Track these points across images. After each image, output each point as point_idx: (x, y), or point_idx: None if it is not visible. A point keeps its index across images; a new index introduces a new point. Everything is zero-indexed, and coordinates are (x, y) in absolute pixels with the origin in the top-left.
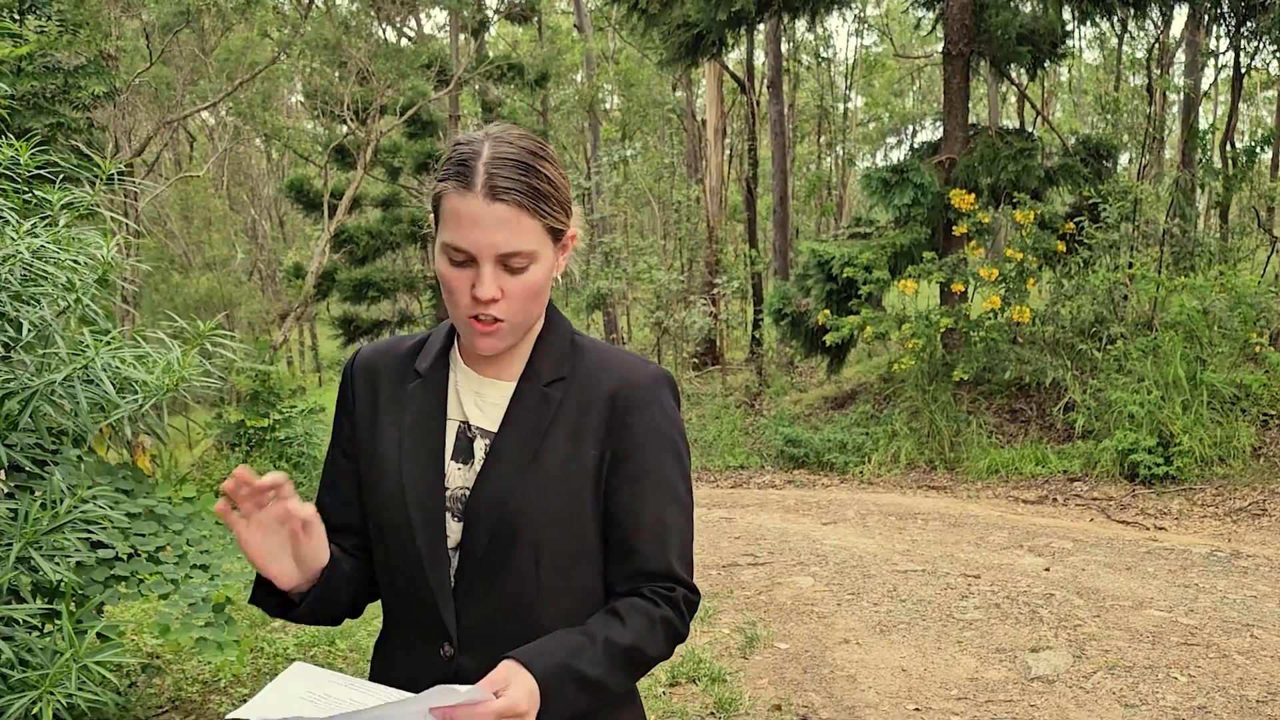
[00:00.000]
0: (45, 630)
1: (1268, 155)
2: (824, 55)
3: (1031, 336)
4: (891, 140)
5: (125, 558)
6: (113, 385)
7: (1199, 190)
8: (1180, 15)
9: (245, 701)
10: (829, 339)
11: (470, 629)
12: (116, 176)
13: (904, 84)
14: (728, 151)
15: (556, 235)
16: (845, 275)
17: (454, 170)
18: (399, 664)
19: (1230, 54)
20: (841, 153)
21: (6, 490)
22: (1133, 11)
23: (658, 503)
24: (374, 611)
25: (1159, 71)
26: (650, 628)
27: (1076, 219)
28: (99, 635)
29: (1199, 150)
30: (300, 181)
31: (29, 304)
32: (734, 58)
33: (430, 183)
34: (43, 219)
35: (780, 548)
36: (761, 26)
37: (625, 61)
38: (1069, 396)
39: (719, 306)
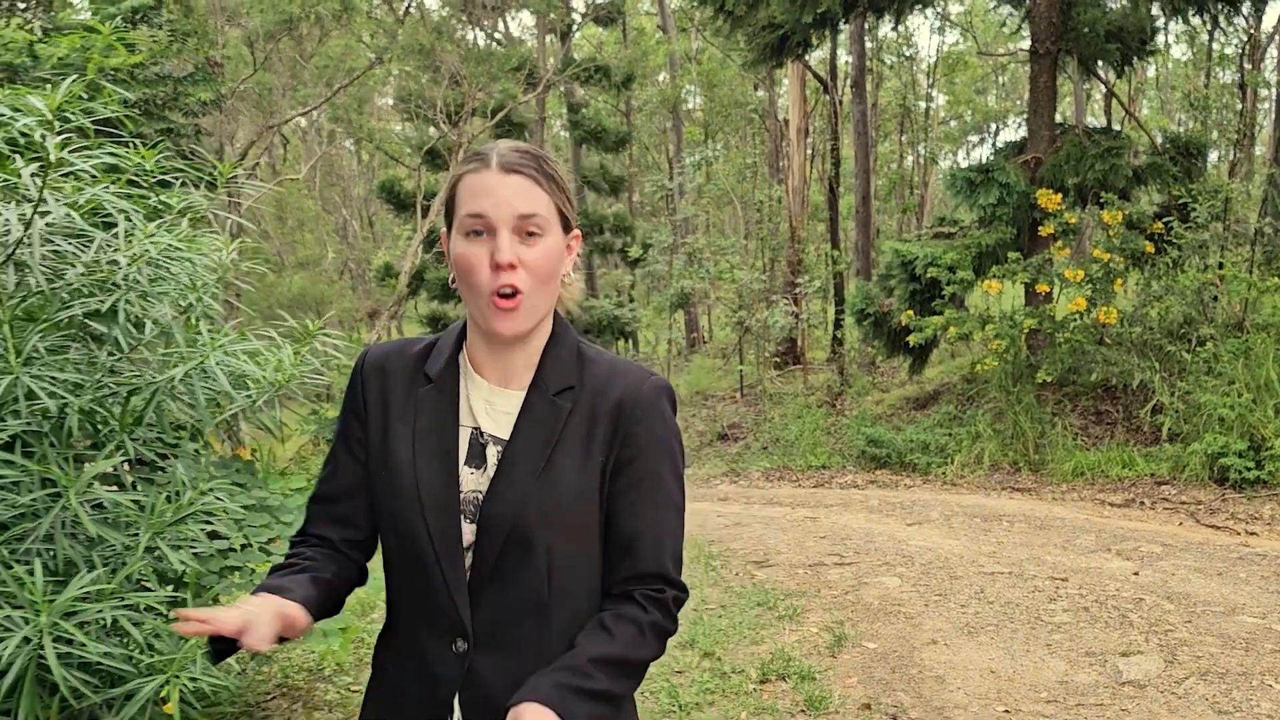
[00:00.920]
0: (170, 618)
1: None
2: (906, 54)
3: (1118, 338)
4: (974, 138)
5: (239, 548)
6: (229, 382)
7: None
8: (1273, 10)
9: (348, 689)
10: (912, 340)
11: (484, 627)
12: (226, 180)
13: (986, 81)
14: (809, 151)
15: (564, 223)
16: (929, 275)
17: (472, 160)
18: (406, 658)
19: None
20: (923, 152)
21: (130, 480)
22: (1224, 7)
23: (656, 508)
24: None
25: (1250, 67)
26: (639, 634)
27: (1165, 219)
28: None
29: None
30: (391, 183)
31: (154, 301)
32: (816, 57)
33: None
34: (161, 222)
35: (866, 548)
36: (845, 26)
37: (707, 62)
38: (1156, 399)
39: (801, 306)
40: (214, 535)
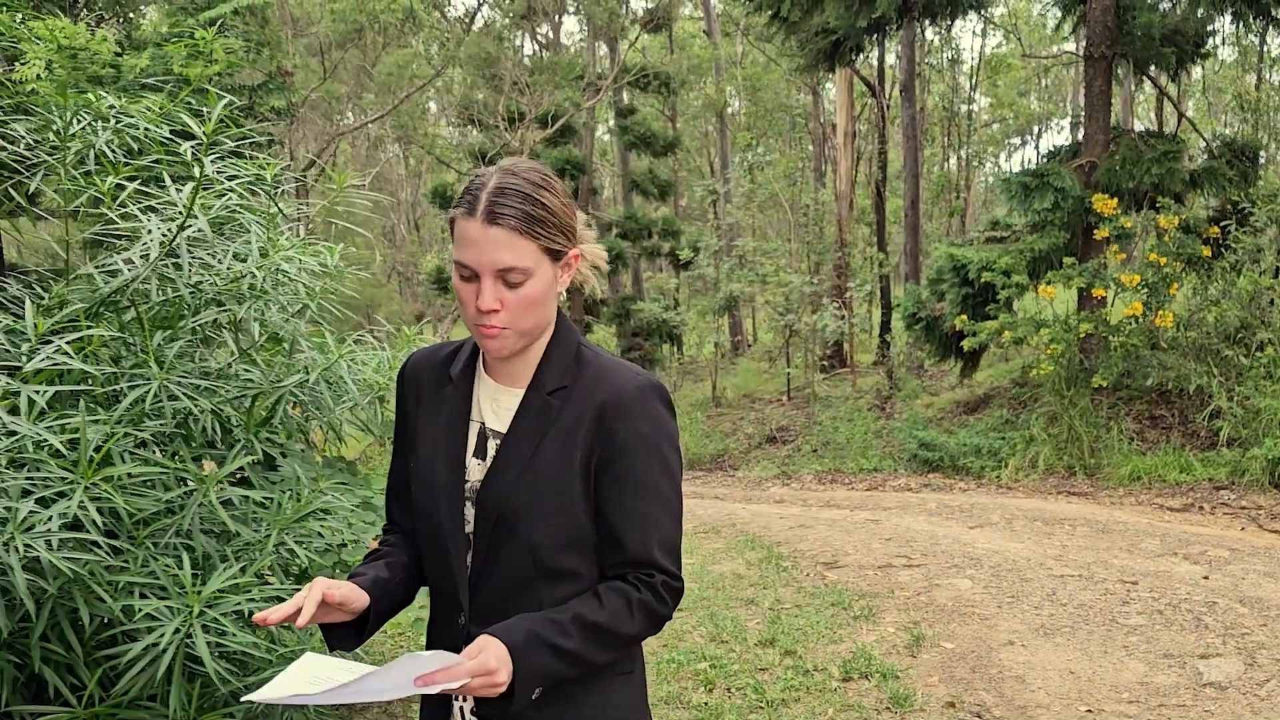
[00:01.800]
0: None
1: None
2: (954, 58)
3: (1173, 342)
4: (1014, 141)
5: (350, 544)
6: (335, 385)
7: None
8: None
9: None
10: (966, 344)
11: (481, 604)
12: (341, 189)
13: (1029, 84)
14: (855, 155)
15: (555, 255)
16: (983, 280)
17: (463, 199)
18: (433, 632)
19: None
20: (966, 155)
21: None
22: None
23: (641, 500)
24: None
25: None
26: (626, 608)
27: (1222, 223)
28: None
29: None
30: (443, 187)
31: (272, 307)
32: (862, 61)
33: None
34: (283, 231)
35: (932, 550)
36: (896, 31)
37: (750, 66)
38: (1215, 403)
39: (849, 310)
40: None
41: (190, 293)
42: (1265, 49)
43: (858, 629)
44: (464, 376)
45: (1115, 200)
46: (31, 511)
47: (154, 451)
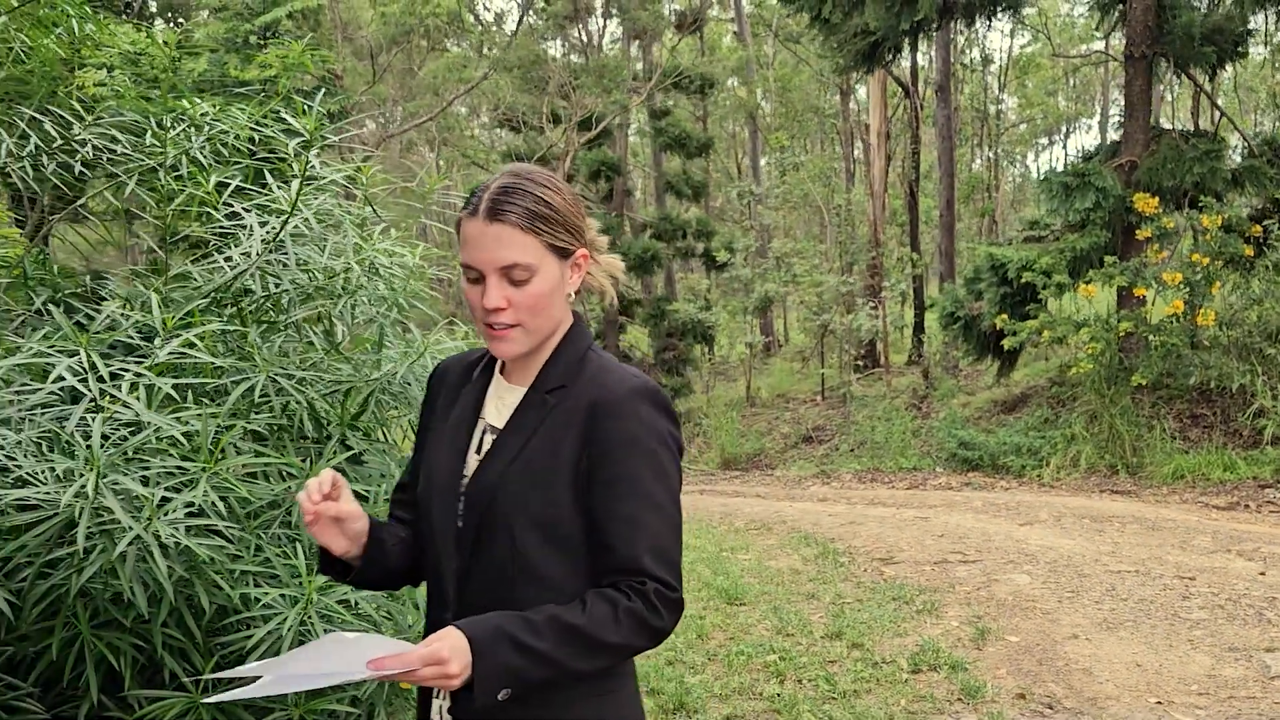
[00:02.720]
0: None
1: None
2: (985, 57)
3: (1214, 341)
4: (1043, 140)
5: None
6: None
7: None
8: None
9: None
10: (1007, 343)
11: (465, 600)
12: (431, 192)
13: (1057, 83)
14: (887, 156)
15: (562, 253)
16: (1024, 279)
17: (470, 201)
18: (428, 623)
19: None
20: (995, 155)
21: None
22: None
23: (630, 504)
24: None
25: None
26: (611, 615)
27: (1264, 221)
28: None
29: None
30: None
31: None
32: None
33: None
34: (378, 229)
35: (985, 546)
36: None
37: (779, 68)
38: (1259, 402)
39: (883, 310)
40: None
41: (288, 288)
42: None
43: (921, 623)
44: (481, 376)
45: (1156, 199)
46: (164, 498)
47: (260, 444)
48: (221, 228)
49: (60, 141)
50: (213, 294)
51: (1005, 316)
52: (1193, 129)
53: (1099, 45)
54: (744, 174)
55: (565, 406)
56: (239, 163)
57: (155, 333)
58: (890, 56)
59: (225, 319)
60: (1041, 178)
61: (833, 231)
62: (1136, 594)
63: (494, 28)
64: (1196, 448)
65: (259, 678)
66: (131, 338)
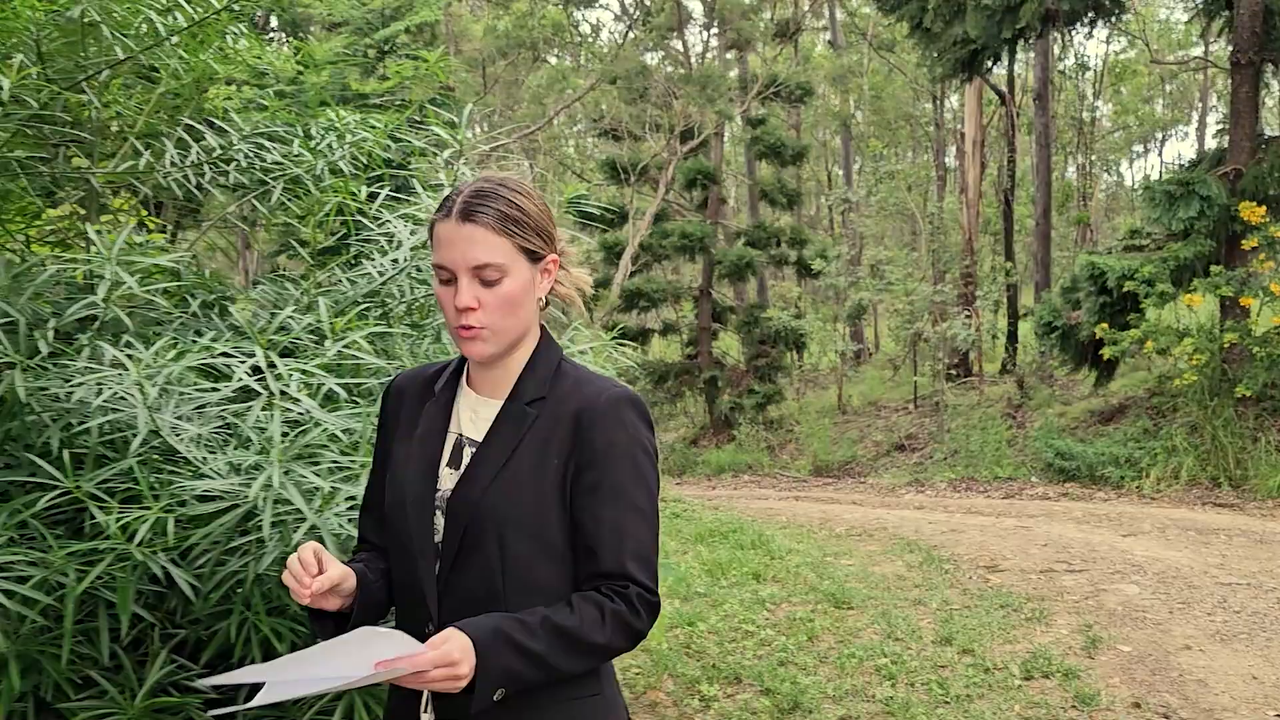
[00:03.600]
0: None
1: None
2: (1082, 64)
3: None
4: (1138, 148)
5: None
6: None
7: None
8: None
9: (628, 669)
10: (1107, 352)
11: (449, 613)
12: (570, 199)
13: (1153, 90)
14: (982, 164)
15: (532, 256)
16: (1126, 288)
17: (443, 205)
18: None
19: None
20: (1088, 163)
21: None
22: None
23: (614, 510)
24: None
25: None
26: (599, 618)
27: None
28: None
29: None
30: (579, 197)
31: None
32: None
33: None
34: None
35: (1090, 556)
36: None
37: (871, 75)
38: None
39: (978, 318)
40: None
41: (429, 292)
42: None
43: (1031, 630)
44: (446, 390)
45: (1263, 208)
46: (334, 488)
47: None
48: (365, 236)
49: (219, 152)
50: (360, 299)
51: (1105, 326)
52: None
53: (1197, 51)
54: (834, 182)
55: (547, 417)
56: (376, 171)
57: (319, 335)
58: (989, 65)
59: (372, 322)
60: (1144, 186)
61: (925, 239)
62: (1249, 607)
63: (591, 39)
64: None
65: (262, 684)
66: (299, 339)
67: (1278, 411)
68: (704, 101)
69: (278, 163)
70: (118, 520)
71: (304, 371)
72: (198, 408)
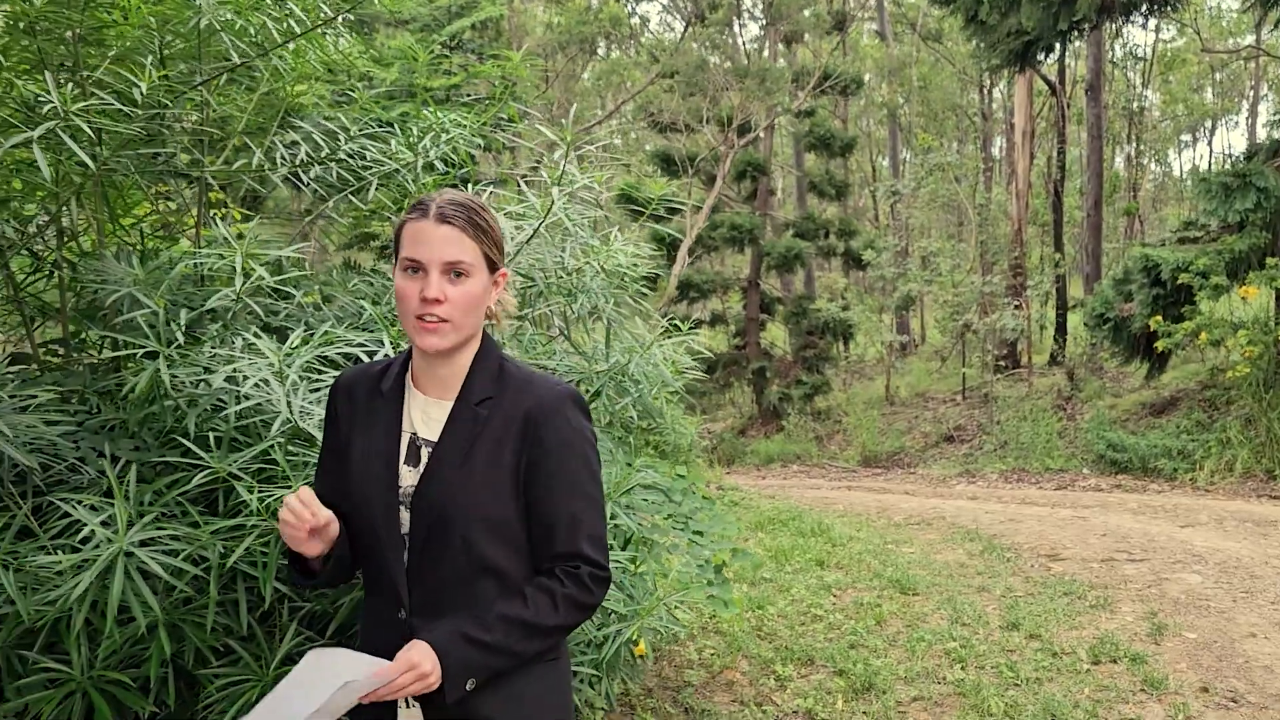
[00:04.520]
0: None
1: None
2: (1134, 54)
3: None
4: (1185, 138)
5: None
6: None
7: None
8: None
9: (703, 649)
10: (1160, 345)
11: (419, 599)
12: (658, 198)
13: (1203, 79)
14: (1032, 155)
15: (490, 265)
16: (1180, 280)
17: (415, 208)
18: (371, 624)
19: None
20: (1135, 153)
21: None
22: None
23: (567, 498)
24: None
25: None
26: (551, 604)
27: None
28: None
29: None
30: (629, 190)
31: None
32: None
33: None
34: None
35: (1149, 546)
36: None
37: (919, 66)
38: None
39: (1028, 309)
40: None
41: (529, 285)
42: None
43: (1096, 617)
44: (394, 391)
45: None
46: None
47: None
48: None
49: (328, 150)
50: None
51: (1159, 318)
52: None
53: (1248, 40)
54: (878, 173)
55: (499, 415)
56: (463, 166)
57: None
58: (1045, 56)
59: None
60: (1200, 178)
61: (973, 231)
62: None
63: (642, 33)
64: None
65: None
66: None
67: None
68: (763, 94)
69: (377, 159)
70: (260, 499)
71: None
72: (313, 390)
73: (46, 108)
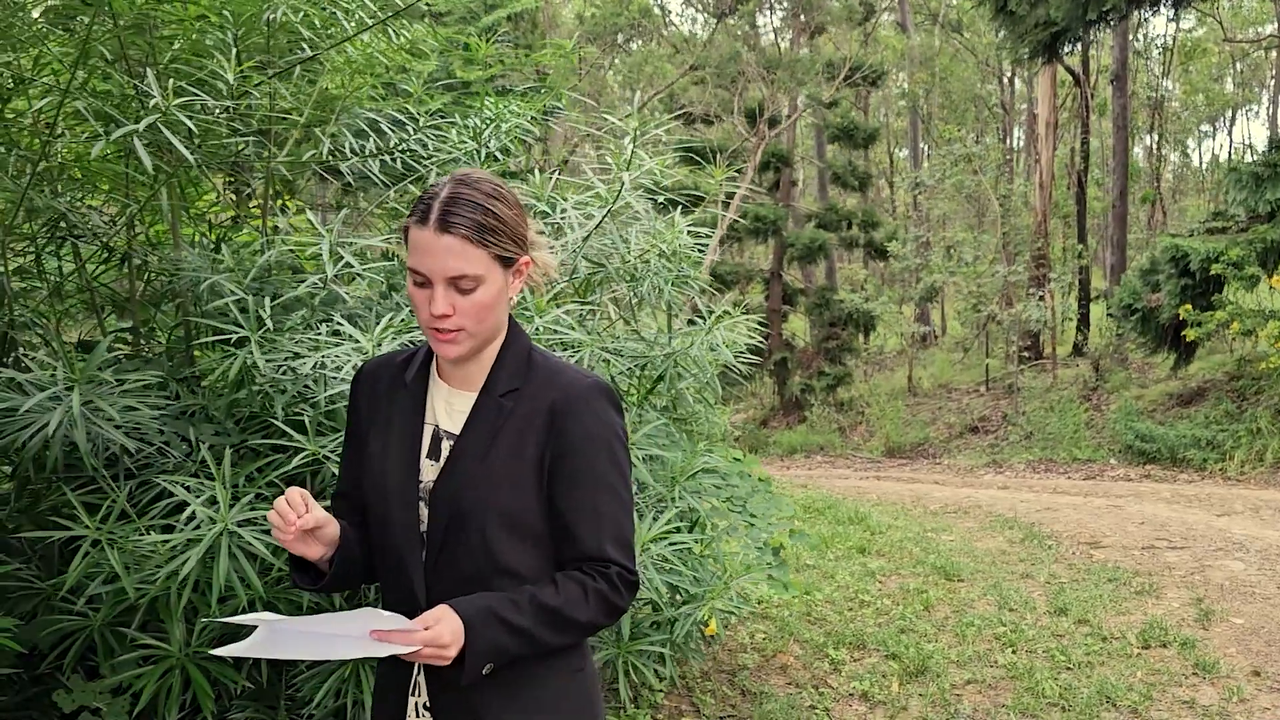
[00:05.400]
0: (699, 555)
1: None
2: (1160, 44)
3: None
4: (1206, 128)
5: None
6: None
7: None
8: None
9: (756, 632)
10: (1191, 335)
11: (437, 597)
12: (721, 183)
13: (1223, 69)
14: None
15: (506, 262)
16: (1213, 271)
17: (418, 208)
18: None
19: None
20: (1155, 143)
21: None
22: None
23: (593, 495)
24: None
25: None
26: (583, 596)
27: None
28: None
29: None
30: (656, 181)
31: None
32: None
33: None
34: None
35: (1189, 535)
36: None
37: (940, 57)
38: None
39: (1052, 300)
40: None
41: (597, 270)
42: None
43: (1142, 603)
44: (418, 381)
45: None
46: None
47: None
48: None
49: (397, 141)
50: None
51: (1189, 307)
52: None
53: (1269, 29)
54: (896, 164)
55: (523, 408)
56: (519, 157)
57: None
58: (1072, 46)
59: (570, 299)
60: (1230, 168)
61: (996, 222)
62: None
63: (666, 27)
64: None
65: (255, 628)
66: None
67: None
68: (794, 85)
69: (438, 149)
70: None
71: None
72: None
73: (151, 102)
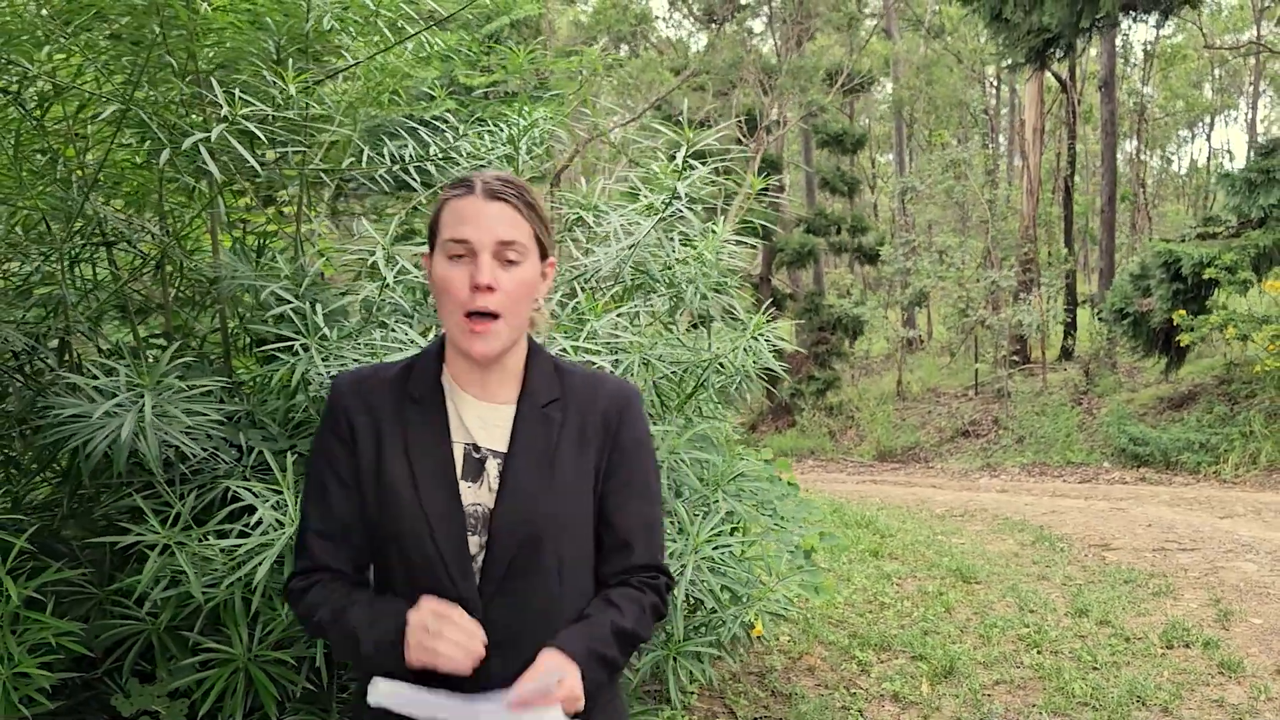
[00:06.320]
0: (741, 557)
1: None
2: (1145, 50)
3: None
4: (1184, 133)
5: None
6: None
7: None
8: None
9: (781, 634)
10: (1184, 339)
11: (498, 633)
12: (757, 192)
13: (1202, 75)
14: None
15: (542, 250)
16: (1206, 275)
17: (456, 184)
18: (420, 671)
19: None
20: (1136, 149)
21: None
22: None
23: (644, 504)
24: None
25: None
26: (643, 613)
27: None
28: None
29: None
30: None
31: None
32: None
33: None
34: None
35: (1197, 537)
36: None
37: (924, 60)
38: None
39: (1041, 304)
40: None
41: (655, 276)
42: None
43: (1161, 604)
44: (432, 394)
45: None
46: None
47: None
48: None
49: (435, 147)
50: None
51: (1183, 312)
52: None
53: (1249, 35)
54: (878, 169)
55: (574, 418)
56: (546, 162)
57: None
58: (1065, 53)
59: (619, 302)
60: (1222, 173)
61: (984, 227)
62: None
63: (654, 34)
64: None
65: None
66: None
67: None
68: (797, 92)
69: (473, 154)
70: None
71: (578, 349)
72: None
73: (224, 111)
